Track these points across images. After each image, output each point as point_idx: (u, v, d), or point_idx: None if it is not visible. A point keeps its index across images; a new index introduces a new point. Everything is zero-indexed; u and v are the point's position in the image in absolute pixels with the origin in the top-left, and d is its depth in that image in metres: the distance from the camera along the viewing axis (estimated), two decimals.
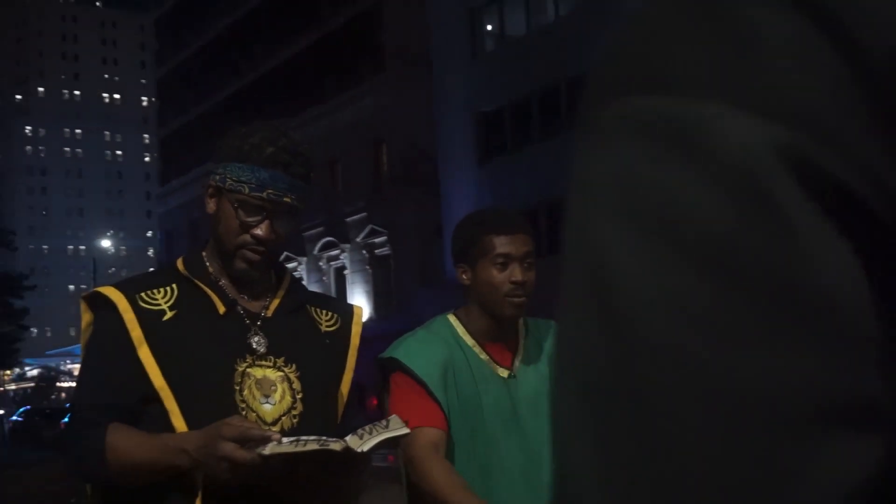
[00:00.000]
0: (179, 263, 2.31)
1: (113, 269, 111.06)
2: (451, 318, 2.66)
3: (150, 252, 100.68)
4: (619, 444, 0.43)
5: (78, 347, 2.48)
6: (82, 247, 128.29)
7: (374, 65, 35.16)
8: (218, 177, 2.21)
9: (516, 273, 2.52)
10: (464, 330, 2.62)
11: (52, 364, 75.36)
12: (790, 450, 0.41)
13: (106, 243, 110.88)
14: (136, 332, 2.13)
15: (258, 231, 2.17)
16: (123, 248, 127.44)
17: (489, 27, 30.30)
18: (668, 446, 0.42)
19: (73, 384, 2.61)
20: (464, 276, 2.61)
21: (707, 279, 0.43)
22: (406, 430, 2.12)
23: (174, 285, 2.23)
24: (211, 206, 2.24)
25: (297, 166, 2.20)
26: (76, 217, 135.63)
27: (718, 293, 0.42)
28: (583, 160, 0.49)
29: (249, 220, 2.17)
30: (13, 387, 69.26)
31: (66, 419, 2.34)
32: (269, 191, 2.15)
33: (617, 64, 0.49)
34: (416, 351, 2.57)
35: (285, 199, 2.18)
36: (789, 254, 0.42)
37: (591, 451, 0.44)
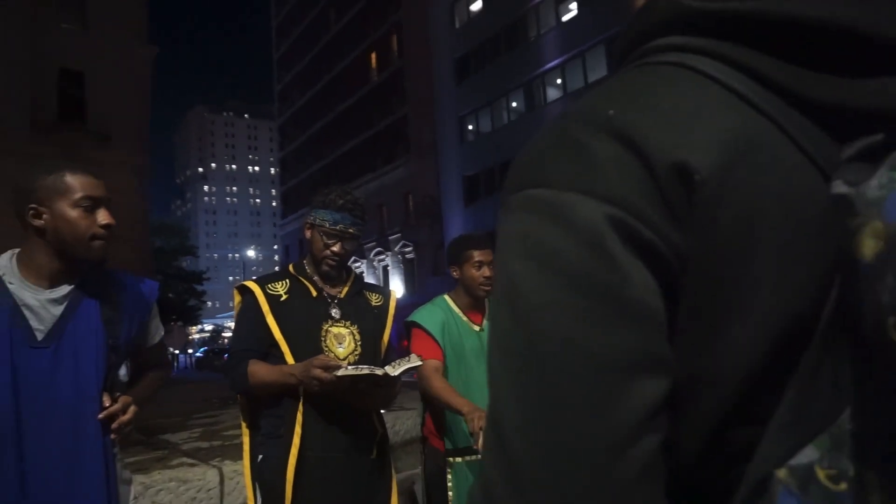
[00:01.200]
0: (291, 267, 2.30)
1: (255, 268, 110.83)
2: (447, 297, 2.64)
3: (276, 258, 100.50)
4: (520, 382, 0.44)
5: (233, 314, 2.48)
6: (237, 255, 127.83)
7: (404, 149, 35.07)
8: (311, 217, 2.21)
9: (486, 271, 2.51)
10: (454, 304, 2.60)
11: (219, 323, 75.37)
12: (613, 384, 0.42)
13: (251, 253, 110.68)
14: (265, 307, 2.14)
15: (334, 249, 2.17)
16: (260, 256, 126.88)
17: (470, 127, 30.26)
18: (545, 383, 0.43)
19: (231, 335, 2.62)
20: (454, 273, 2.60)
21: (568, 291, 0.44)
22: (421, 362, 2.11)
23: (287, 280, 2.23)
24: (307, 234, 2.24)
25: (357, 211, 2.20)
26: (233, 238, 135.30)
27: (574, 298, 0.43)
28: (502, 224, 0.49)
29: (329, 242, 2.17)
30: (197, 336, 69.31)
31: (227, 356, 2.34)
32: (341, 226, 2.16)
33: (519, 173, 0.50)
34: (426, 315, 2.56)
35: (350, 231, 2.18)
36: (613, 276, 0.43)
37: (506, 387, 0.45)
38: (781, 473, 0.43)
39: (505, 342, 0.46)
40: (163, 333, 1.89)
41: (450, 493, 2.43)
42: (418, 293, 29.44)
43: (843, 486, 0.41)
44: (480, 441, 2.05)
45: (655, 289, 0.44)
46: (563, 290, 0.43)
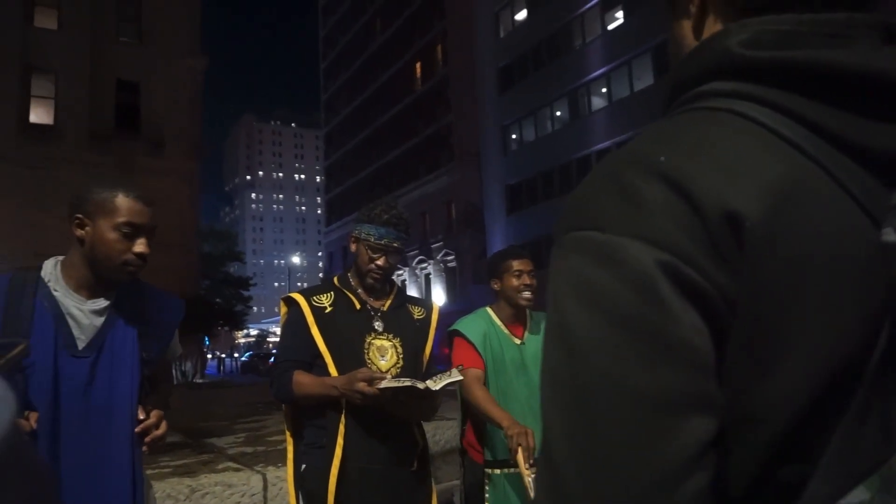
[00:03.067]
0: (335, 279, 2.33)
1: (299, 273, 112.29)
2: (488, 309, 2.66)
3: (320, 265, 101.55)
4: (570, 417, 0.45)
5: (278, 319, 2.53)
6: (282, 262, 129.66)
7: (448, 158, 35.21)
8: (357, 231, 2.24)
9: (525, 279, 2.54)
10: (496, 316, 2.62)
11: (265, 327, 76.36)
12: (662, 422, 0.43)
13: (296, 260, 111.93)
14: (310, 319, 2.17)
15: (379, 262, 2.20)
16: (305, 262, 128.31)
17: (514, 136, 30.21)
18: (594, 420, 0.44)
19: (277, 339, 2.67)
20: (495, 286, 2.62)
21: (617, 331, 0.45)
22: (461, 377, 2.12)
23: (332, 292, 2.26)
24: (353, 247, 2.27)
25: (401, 225, 2.22)
26: (279, 244, 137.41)
27: (623, 338, 0.45)
28: (555, 262, 0.51)
29: (374, 256, 2.20)
30: (243, 340, 70.14)
31: (272, 361, 2.39)
32: (385, 240, 2.18)
33: (572, 213, 0.51)
34: (468, 325, 2.58)
35: (394, 245, 2.20)
36: (664, 319, 0.44)
37: (557, 420, 0.46)
38: None
39: (556, 376, 0.47)
40: (180, 351, 1.91)
41: None
42: (460, 301, 29.46)
43: None
44: (519, 456, 2.07)
45: (704, 331, 0.45)
46: (614, 331, 0.45)
